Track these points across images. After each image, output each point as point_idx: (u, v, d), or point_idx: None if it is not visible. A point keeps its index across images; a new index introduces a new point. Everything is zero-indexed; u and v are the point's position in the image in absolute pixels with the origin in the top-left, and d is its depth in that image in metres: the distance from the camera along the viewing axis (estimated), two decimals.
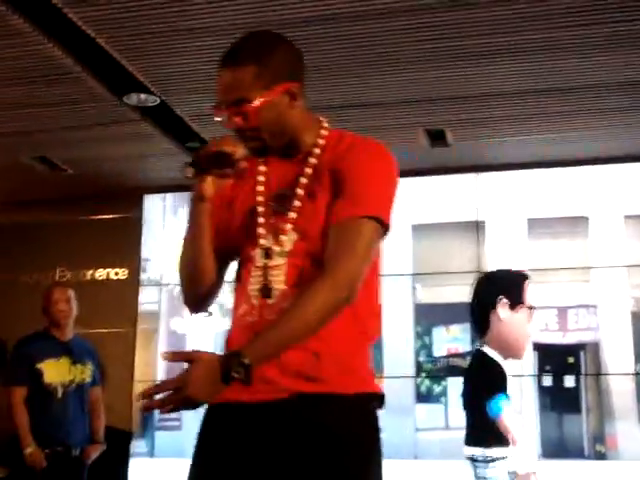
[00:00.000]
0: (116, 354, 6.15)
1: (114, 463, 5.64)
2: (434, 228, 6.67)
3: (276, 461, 1.86)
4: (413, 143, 5.99)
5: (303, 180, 1.94)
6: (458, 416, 6.18)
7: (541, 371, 6.34)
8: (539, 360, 6.38)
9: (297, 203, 1.92)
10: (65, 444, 4.73)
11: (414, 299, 6.48)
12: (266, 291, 1.91)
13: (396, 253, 6.61)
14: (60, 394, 4.75)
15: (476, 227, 6.58)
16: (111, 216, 6.90)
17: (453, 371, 6.26)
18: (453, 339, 6.32)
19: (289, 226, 1.92)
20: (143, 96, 5.25)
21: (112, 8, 4.14)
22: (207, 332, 6.36)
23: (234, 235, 2.01)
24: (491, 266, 6.50)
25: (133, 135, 5.86)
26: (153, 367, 6.44)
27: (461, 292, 6.67)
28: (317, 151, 1.97)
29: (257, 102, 1.88)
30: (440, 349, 6.32)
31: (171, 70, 4.89)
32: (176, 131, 5.91)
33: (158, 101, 5.33)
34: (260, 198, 1.98)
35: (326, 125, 2.01)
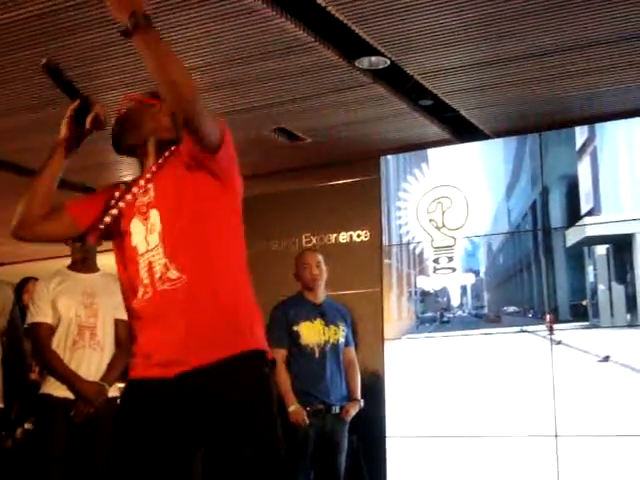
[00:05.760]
0: (365, 315, 6.31)
1: (371, 419, 5.82)
2: None
3: (181, 432, 2.23)
4: None
5: (148, 176, 2.42)
6: None
7: None
8: None
9: (152, 192, 2.37)
10: (325, 402, 4.94)
11: None
12: (153, 271, 2.29)
13: None
14: (317, 354, 4.96)
15: None
16: (350, 180, 7.05)
17: None
18: None
19: (151, 211, 2.35)
20: (374, 59, 5.28)
21: None
22: (453, 288, 6.35)
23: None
24: None
25: (366, 99, 5.93)
26: (401, 325, 6.53)
27: None
28: (166, 154, 2.44)
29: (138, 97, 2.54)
30: None
31: (399, 30, 4.88)
32: (407, 91, 5.91)
33: (389, 62, 5.34)
34: (135, 190, 2.42)
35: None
